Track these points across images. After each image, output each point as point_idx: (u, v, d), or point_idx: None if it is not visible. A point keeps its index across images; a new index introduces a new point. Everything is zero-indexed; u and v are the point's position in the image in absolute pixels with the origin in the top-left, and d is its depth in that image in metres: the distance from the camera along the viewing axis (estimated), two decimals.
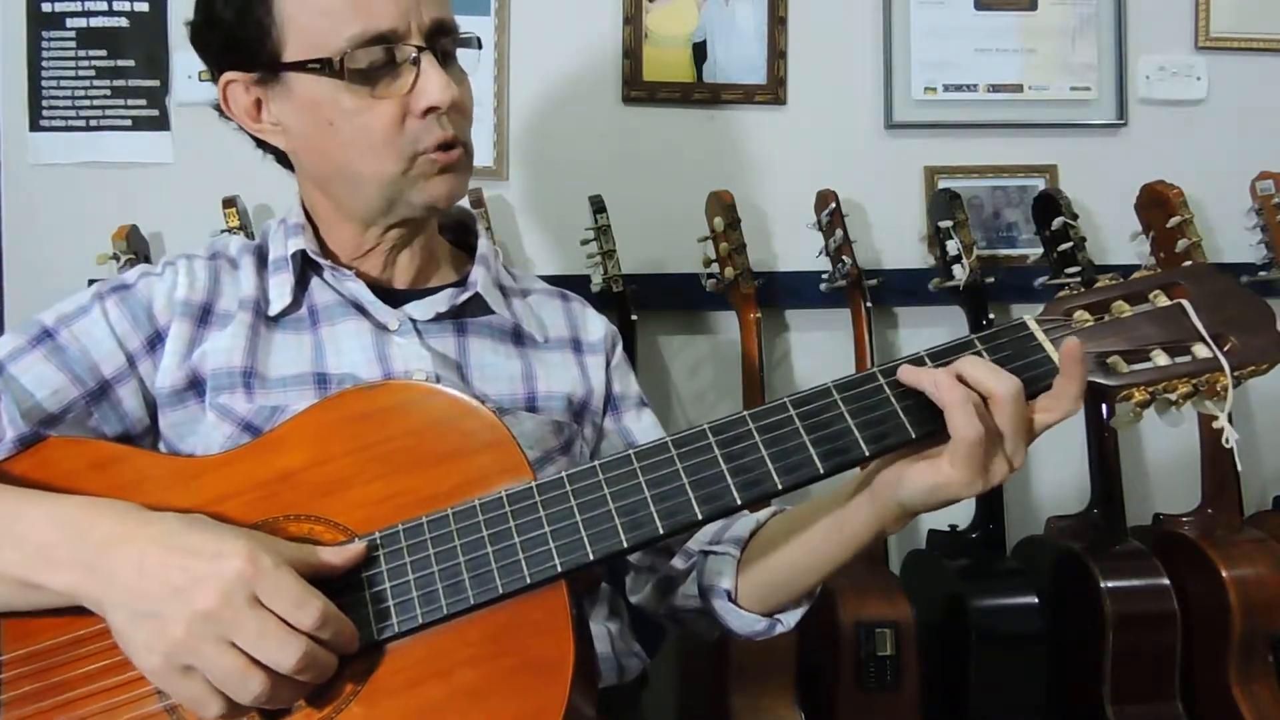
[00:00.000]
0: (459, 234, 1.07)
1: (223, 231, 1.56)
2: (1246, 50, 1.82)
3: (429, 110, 0.86)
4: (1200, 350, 0.74)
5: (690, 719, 1.65)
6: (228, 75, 0.89)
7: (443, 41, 0.87)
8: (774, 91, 1.76)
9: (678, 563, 0.98)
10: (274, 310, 0.92)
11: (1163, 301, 0.77)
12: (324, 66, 0.84)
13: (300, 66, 0.85)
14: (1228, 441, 0.75)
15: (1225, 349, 0.74)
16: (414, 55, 0.85)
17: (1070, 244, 1.56)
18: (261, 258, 0.96)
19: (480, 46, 0.93)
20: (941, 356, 0.76)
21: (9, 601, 0.72)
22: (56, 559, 0.70)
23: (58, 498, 0.74)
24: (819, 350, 1.78)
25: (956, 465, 0.71)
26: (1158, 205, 1.58)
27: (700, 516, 0.73)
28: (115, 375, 0.86)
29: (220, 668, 0.65)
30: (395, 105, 0.85)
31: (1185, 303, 0.76)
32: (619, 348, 1.08)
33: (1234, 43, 1.82)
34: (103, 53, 1.68)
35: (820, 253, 1.66)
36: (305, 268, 0.94)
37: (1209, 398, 0.76)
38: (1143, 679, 1.46)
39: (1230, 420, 0.75)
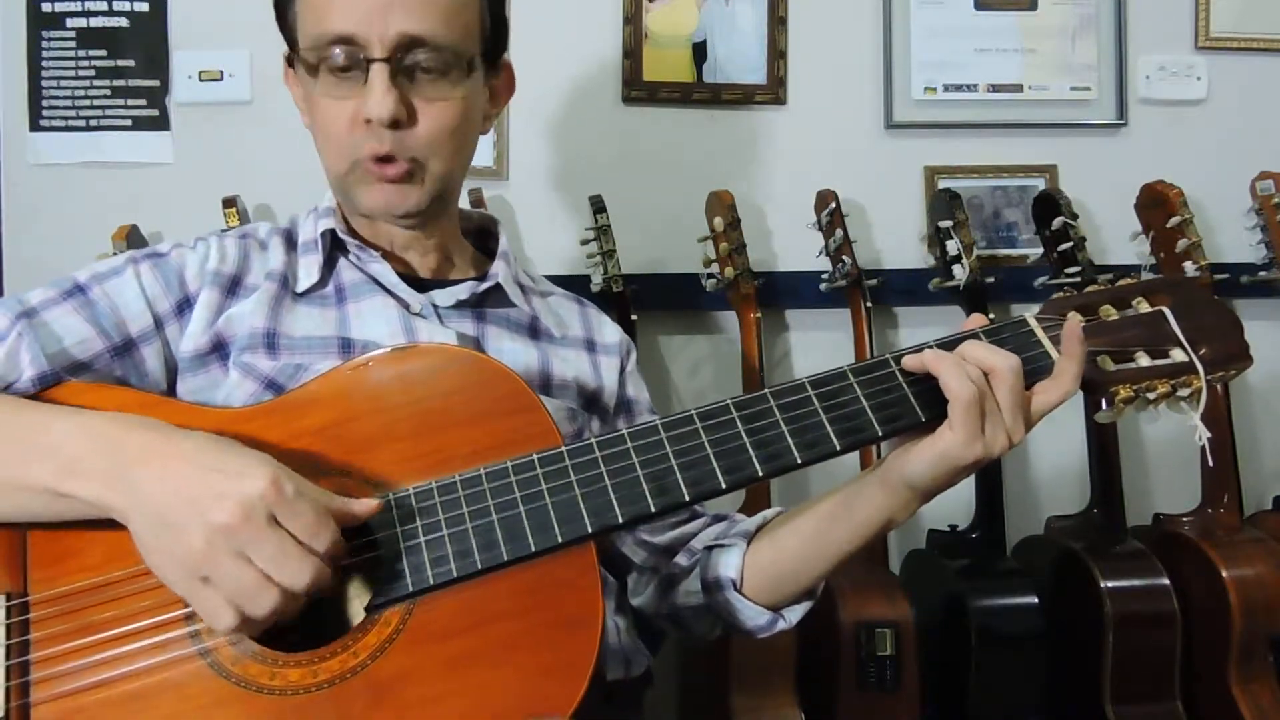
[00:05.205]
0: (480, 238, 1.09)
1: (223, 231, 1.56)
2: (1246, 50, 1.83)
3: (369, 120, 0.87)
4: (1177, 354, 0.82)
5: (691, 718, 1.65)
6: (286, 50, 0.93)
7: (414, 55, 0.87)
8: (774, 91, 1.76)
9: (681, 560, 0.99)
10: (301, 287, 0.94)
11: (1145, 308, 0.84)
12: (303, 57, 0.88)
13: (296, 52, 0.90)
14: (1200, 439, 0.82)
15: (1200, 353, 0.81)
16: (367, 64, 0.86)
17: (1070, 244, 1.56)
18: (290, 241, 0.99)
19: (470, 70, 0.90)
20: (946, 347, 0.79)
21: (38, 512, 0.73)
22: (86, 470, 0.71)
23: (86, 412, 0.75)
24: (819, 350, 1.78)
25: (955, 426, 0.75)
26: (1158, 205, 1.58)
27: (724, 485, 0.76)
28: (141, 334, 0.88)
29: (236, 581, 0.67)
30: (350, 107, 0.88)
31: (1166, 310, 0.83)
32: (633, 356, 1.10)
33: (1234, 43, 1.82)
34: (103, 53, 1.68)
35: (820, 253, 1.66)
36: (333, 248, 0.97)
37: (1185, 399, 0.82)
38: (1143, 679, 1.46)
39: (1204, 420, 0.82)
